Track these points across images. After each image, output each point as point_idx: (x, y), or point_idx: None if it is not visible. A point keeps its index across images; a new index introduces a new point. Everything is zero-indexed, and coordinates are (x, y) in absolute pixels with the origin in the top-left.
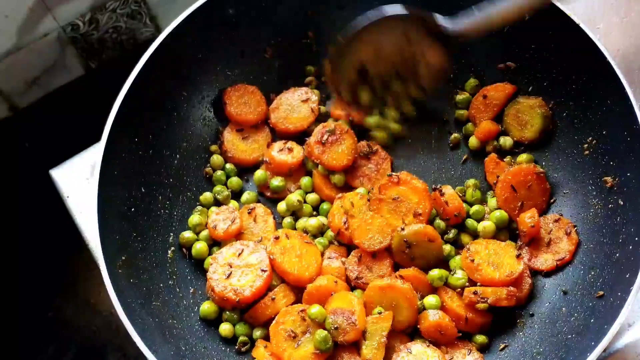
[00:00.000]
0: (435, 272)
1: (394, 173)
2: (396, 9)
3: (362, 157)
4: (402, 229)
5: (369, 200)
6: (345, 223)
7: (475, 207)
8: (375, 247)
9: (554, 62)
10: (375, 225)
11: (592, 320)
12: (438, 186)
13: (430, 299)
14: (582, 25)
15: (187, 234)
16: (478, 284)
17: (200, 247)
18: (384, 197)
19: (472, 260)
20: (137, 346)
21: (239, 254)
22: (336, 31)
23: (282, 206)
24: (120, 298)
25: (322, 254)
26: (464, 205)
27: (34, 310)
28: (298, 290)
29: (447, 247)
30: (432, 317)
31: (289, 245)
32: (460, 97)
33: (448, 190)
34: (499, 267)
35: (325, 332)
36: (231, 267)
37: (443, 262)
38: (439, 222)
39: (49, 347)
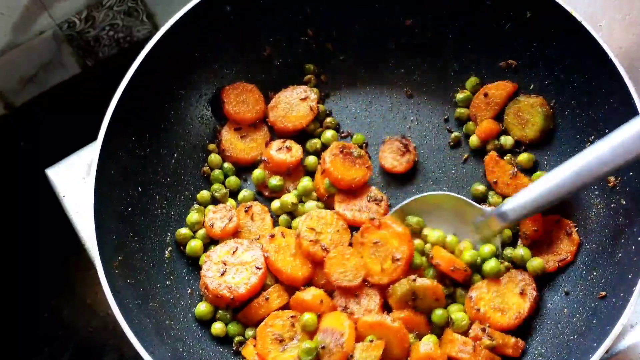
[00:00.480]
0: (439, 312)
1: (375, 217)
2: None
3: (369, 200)
4: (414, 280)
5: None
6: (323, 248)
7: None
8: (342, 283)
9: (555, 60)
10: (351, 263)
11: (594, 321)
12: (430, 255)
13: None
14: (584, 23)
15: (184, 230)
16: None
17: (195, 244)
18: (366, 240)
19: (478, 310)
20: (134, 347)
21: (234, 252)
22: (334, 28)
23: (276, 204)
24: (117, 299)
25: None
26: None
27: (31, 311)
28: (292, 291)
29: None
30: (423, 348)
31: (284, 244)
32: (461, 95)
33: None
34: (506, 311)
35: (313, 344)
36: (225, 264)
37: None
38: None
39: (45, 348)
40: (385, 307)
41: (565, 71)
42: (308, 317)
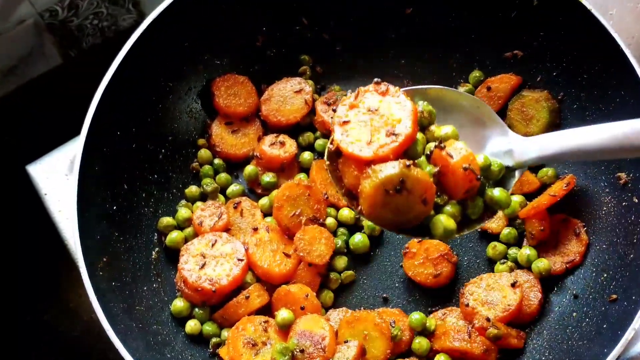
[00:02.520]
0: (416, 317)
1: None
2: None
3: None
4: (408, 166)
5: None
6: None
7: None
8: (315, 260)
9: (564, 50)
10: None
11: (604, 326)
12: (442, 144)
13: (415, 316)
14: (594, 11)
15: (167, 219)
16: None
17: (175, 235)
18: (359, 103)
19: (467, 305)
20: (120, 353)
21: (213, 244)
22: (330, 17)
23: (264, 201)
24: (102, 302)
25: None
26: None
27: (13, 315)
28: (274, 290)
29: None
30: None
31: (266, 239)
32: (463, 89)
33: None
34: (493, 306)
35: (288, 345)
36: (205, 257)
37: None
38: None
39: (29, 353)
40: None
41: (574, 62)
42: (285, 315)
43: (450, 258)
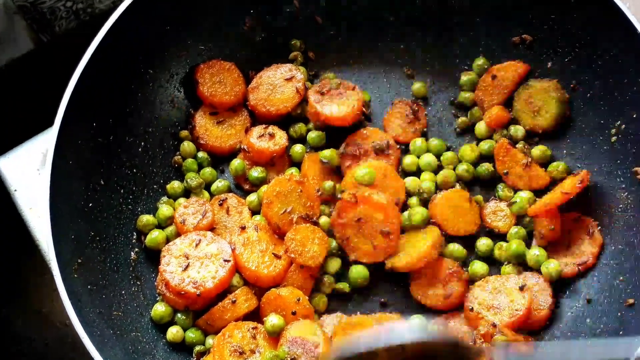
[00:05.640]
0: (416, 321)
1: (347, 191)
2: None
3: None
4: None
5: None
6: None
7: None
8: (307, 262)
9: (576, 34)
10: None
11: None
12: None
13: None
14: None
15: (146, 217)
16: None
17: (156, 235)
18: (345, 220)
19: (472, 309)
20: None
21: (197, 244)
22: None
23: (252, 198)
24: (76, 307)
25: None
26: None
27: None
28: (262, 294)
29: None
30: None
31: (254, 238)
32: (465, 77)
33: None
34: (499, 311)
35: (277, 352)
36: (188, 258)
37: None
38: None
39: None
40: None
41: (587, 47)
42: (275, 320)
43: (460, 275)
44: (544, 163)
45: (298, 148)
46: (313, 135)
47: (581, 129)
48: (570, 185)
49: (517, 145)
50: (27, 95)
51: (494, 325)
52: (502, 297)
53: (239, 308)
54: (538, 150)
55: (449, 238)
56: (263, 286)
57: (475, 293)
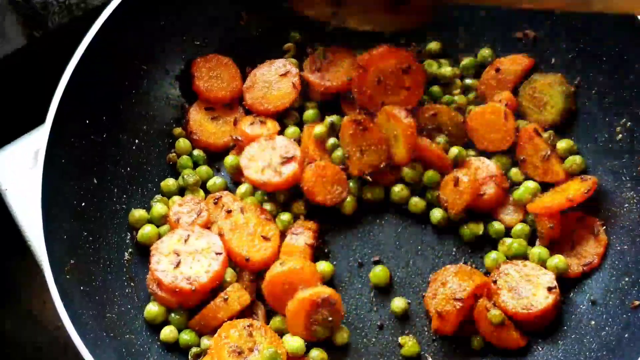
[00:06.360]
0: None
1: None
2: None
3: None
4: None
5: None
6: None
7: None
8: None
9: (581, 29)
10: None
11: (625, 335)
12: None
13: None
14: None
15: (139, 212)
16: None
17: (148, 230)
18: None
19: (495, 282)
20: None
21: (186, 240)
22: None
23: (242, 189)
24: (69, 309)
25: (284, 234)
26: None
27: None
28: (255, 290)
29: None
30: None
31: (241, 221)
32: (466, 61)
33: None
34: (518, 297)
35: (274, 349)
36: (179, 255)
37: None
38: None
39: None
40: None
41: (593, 42)
42: (295, 343)
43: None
44: (565, 157)
45: (291, 130)
46: (310, 112)
47: (586, 126)
48: (575, 193)
49: (543, 135)
50: (18, 92)
51: (494, 305)
52: (528, 287)
53: (231, 306)
54: (564, 142)
55: None
56: (254, 270)
57: (507, 269)
